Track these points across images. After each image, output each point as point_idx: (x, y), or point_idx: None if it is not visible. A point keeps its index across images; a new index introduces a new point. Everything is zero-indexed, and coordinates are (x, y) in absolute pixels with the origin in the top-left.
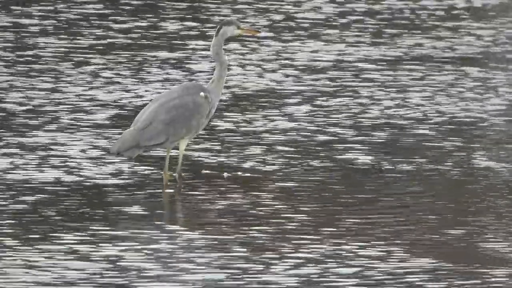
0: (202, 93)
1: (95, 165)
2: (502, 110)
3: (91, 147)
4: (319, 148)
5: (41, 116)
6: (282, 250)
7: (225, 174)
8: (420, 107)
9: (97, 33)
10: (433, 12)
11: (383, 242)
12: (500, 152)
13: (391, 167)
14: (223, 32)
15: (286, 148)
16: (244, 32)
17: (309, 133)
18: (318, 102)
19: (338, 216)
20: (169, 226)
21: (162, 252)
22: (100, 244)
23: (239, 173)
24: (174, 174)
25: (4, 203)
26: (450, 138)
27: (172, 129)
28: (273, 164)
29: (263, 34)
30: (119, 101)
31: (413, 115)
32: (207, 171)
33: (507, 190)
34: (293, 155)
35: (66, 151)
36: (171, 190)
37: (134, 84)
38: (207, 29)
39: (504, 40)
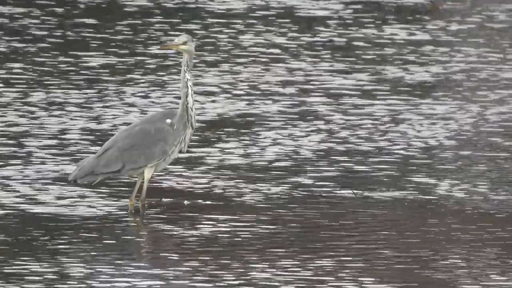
0: (168, 120)
1: (53, 194)
2: (455, 136)
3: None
4: (281, 174)
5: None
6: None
7: (186, 202)
8: (376, 135)
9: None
10: (392, 43)
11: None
12: (458, 180)
13: (351, 195)
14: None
15: (248, 174)
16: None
17: (273, 159)
18: (284, 128)
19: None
20: (127, 260)
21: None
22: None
23: (200, 200)
24: (137, 204)
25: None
26: (406, 166)
27: (128, 156)
28: (235, 191)
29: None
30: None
31: (370, 144)
32: (166, 200)
33: (467, 216)
34: (255, 181)
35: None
36: (136, 219)
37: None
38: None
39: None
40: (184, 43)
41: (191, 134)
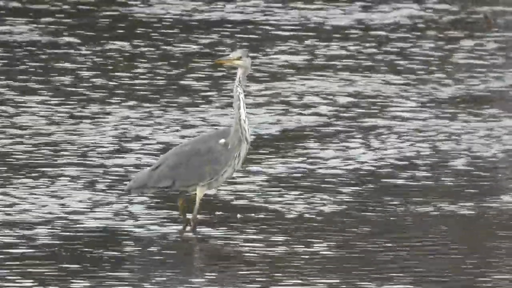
0: (222, 140)
1: (105, 206)
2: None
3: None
4: (337, 188)
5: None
6: None
7: (238, 215)
8: (433, 147)
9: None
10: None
11: None
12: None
13: (404, 208)
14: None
15: (303, 188)
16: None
17: (329, 173)
18: (341, 142)
19: (364, 256)
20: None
21: None
22: None
23: (252, 214)
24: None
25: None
26: (463, 178)
27: (177, 174)
28: (286, 204)
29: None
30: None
31: (429, 155)
32: (219, 213)
33: None
34: (310, 196)
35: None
36: (189, 235)
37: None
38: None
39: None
40: (239, 58)
41: (247, 149)
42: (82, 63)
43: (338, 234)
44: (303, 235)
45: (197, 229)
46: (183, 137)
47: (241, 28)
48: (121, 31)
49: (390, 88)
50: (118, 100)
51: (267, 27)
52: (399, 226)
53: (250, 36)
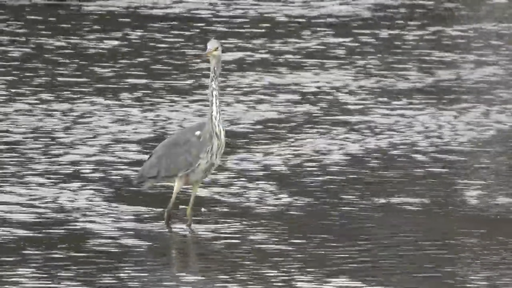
0: (197, 132)
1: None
2: (485, 141)
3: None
4: (311, 185)
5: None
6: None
7: (203, 209)
8: (401, 138)
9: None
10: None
11: None
12: (481, 186)
13: (382, 201)
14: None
15: (266, 182)
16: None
17: (297, 166)
18: (310, 133)
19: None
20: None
21: None
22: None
23: (217, 208)
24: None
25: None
26: (430, 169)
27: (160, 164)
28: (252, 198)
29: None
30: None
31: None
32: (183, 207)
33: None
34: (275, 189)
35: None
36: (163, 230)
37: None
38: None
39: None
40: (216, 49)
41: (220, 145)
42: (26, 60)
43: (306, 229)
44: (270, 229)
45: (171, 224)
46: (153, 131)
47: (187, 23)
48: (69, 26)
49: (349, 81)
50: (71, 95)
51: (211, 22)
52: (365, 220)
53: (195, 30)
